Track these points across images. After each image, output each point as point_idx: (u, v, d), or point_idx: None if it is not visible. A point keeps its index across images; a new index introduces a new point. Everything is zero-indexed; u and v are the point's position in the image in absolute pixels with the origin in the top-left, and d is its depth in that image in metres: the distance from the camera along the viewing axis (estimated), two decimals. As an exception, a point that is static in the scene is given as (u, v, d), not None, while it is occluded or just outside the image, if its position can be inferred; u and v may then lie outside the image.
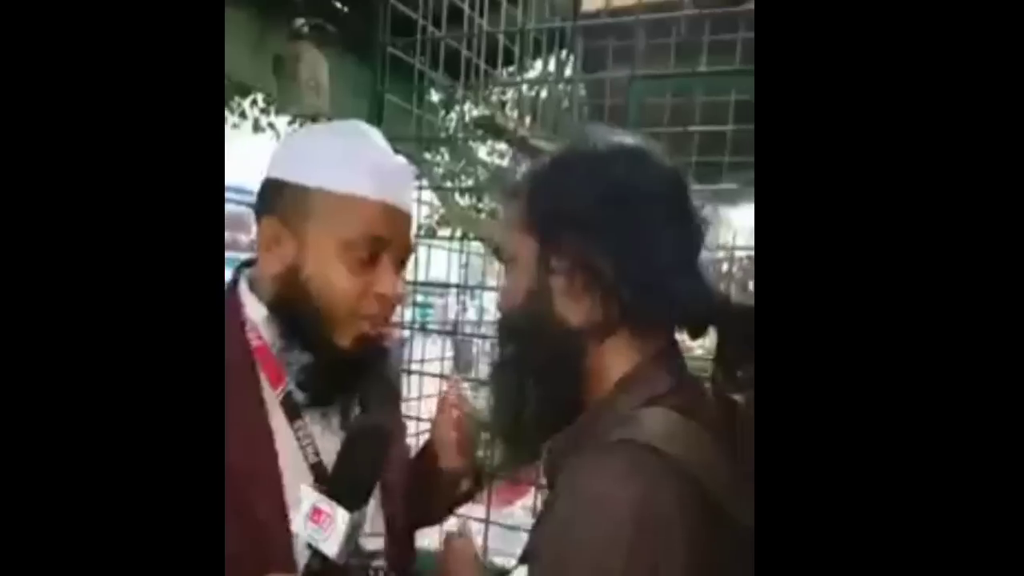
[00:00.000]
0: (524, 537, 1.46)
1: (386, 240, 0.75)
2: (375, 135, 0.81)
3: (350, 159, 0.76)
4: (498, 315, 0.68)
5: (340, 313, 0.75)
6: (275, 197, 0.77)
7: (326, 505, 0.69)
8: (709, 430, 0.58)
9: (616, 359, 0.61)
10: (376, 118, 1.51)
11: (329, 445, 0.78)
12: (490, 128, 1.75)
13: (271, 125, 4.17)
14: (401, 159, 0.80)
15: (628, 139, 0.64)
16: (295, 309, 0.75)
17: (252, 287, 0.80)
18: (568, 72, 2.20)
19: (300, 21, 2.22)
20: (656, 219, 0.60)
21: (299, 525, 0.69)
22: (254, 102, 4.04)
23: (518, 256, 0.64)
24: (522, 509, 2.16)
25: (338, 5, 2.17)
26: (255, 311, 0.78)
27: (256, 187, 0.79)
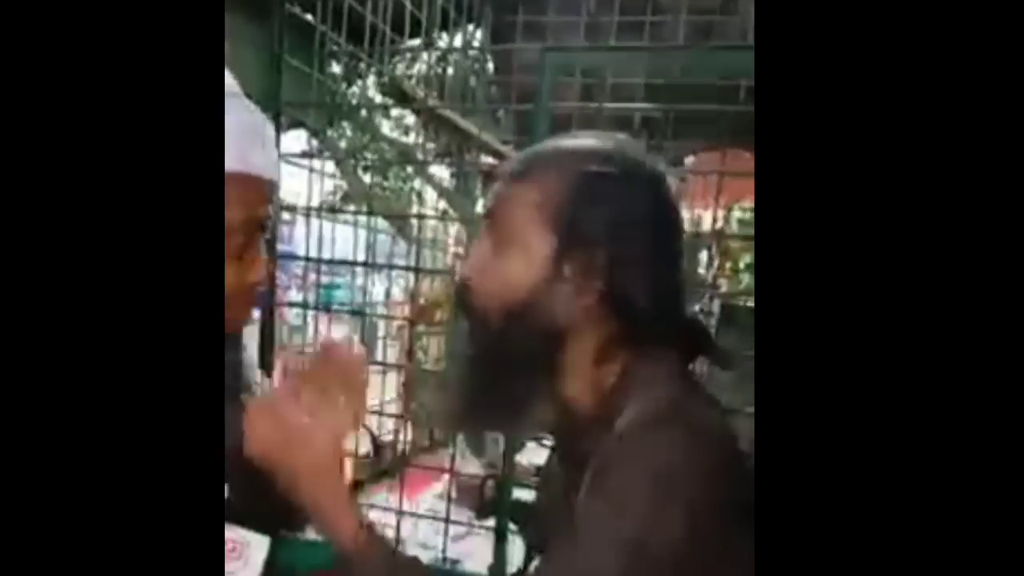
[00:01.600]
0: (439, 526, 1.42)
1: (257, 219, 0.64)
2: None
3: None
4: (467, 284, 0.63)
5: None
6: None
7: (232, 533, 0.61)
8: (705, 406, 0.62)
9: (600, 362, 0.61)
10: (275, 82, 1.41)
11: None
12: (397, 95, 1.67)
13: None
14: (255, 112, 0.64)
15: (654, 160, 0.63)
16: None
17: None
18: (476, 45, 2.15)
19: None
20: (675, 251, 0.62)
21: None
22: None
23: (522, 243, 0.60)
24: (434, 497, 2.13)
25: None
26: None
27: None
